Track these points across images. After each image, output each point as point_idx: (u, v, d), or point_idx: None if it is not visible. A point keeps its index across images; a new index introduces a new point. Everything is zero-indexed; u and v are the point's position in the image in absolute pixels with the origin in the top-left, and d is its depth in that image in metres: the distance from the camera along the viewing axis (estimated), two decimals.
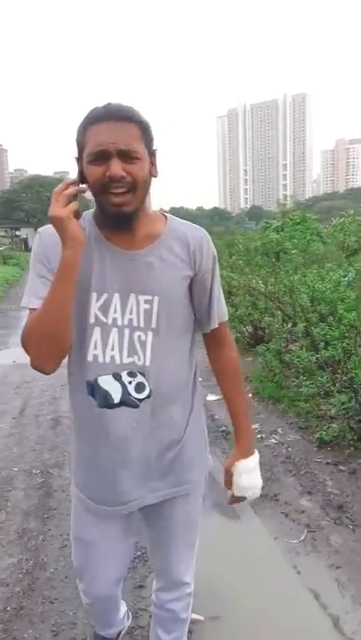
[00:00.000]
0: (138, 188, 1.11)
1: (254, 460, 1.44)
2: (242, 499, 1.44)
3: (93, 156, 1.08)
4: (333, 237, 7.69)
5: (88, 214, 1.22)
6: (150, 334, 1.20)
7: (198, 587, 2.12)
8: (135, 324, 1.19)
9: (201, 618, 1.99)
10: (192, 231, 1.25)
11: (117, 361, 1.19)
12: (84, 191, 1.13)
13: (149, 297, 1.19)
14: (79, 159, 1.14)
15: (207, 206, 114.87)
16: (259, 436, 3.63)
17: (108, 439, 1.22)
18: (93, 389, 1.20)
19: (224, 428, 3.80)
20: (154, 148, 1.16)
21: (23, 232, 57.36)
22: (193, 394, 1.34)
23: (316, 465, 3.16)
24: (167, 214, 1.28)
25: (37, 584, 2.17)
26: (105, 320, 1.18)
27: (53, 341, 1.13)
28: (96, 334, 1.19)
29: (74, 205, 1.10)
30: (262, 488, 2.95)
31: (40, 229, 1.23)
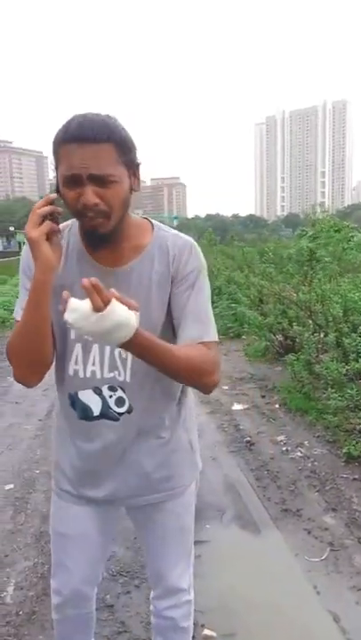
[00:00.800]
0: (113, 213, 1.06)
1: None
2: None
3: (66, 179, 1.03)
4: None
5: (75, 225, 1.17)
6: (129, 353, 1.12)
7: (212, 602, 2.09)
8: None
9: (214, 634, 1.94)
10: (174, 239, 1.18)
11: (98, 376, 1.19)
12: (59, 212, 1.07)
13: None
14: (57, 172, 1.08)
15: (243, 213, 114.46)
16: (284, 449, 3.54)
17: (90, 447, 1.23)
18: (74, 402, 1.22)
19: (248, 438, 3.72)
20: (136, 161, 1.09)
21: (22, 235, 57.89)
22: (180, 405, 1.29)
23: (342, 481, 3.06)
24: (154, 221, 1.22)
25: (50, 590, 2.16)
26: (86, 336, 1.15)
27: (32, 358, 1.12)
28: (77, 349, 1.18)
29: (46, 226, 1.04)
30: (285, 502, 2.89)
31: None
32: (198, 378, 1.13)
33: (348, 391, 3.61)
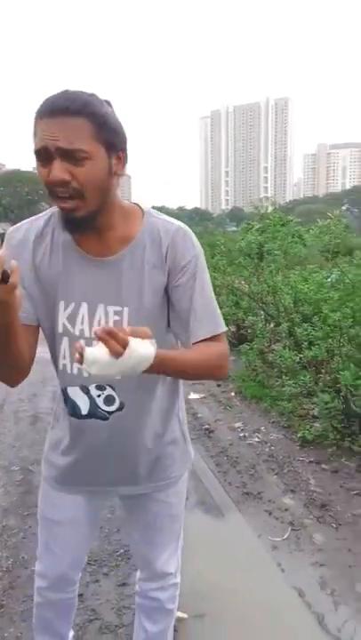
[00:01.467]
0: (87, 193, 0.98)
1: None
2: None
3: (36, 154, 0.97)
4: (319, 239, 7.78)
5: (52, 219, 1.13)
6: None
7: (183, 585, 2.10)
8: None
9: (185, 616, 1.97)
10: (166, 226, 1.12)
11: (85, 373, 1.06)
12: None
13: (119, 308, 1.10)
14: None
15: (189, 206, 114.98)
16: (241, 435, 3.63)
17: (83, 443, 1.21)
18: (66, 398, 1.18)
19: (207, 426, 3.78)
20: (121, 144, 1.03)
21: (1, 227, 56.51)
22: (173, 399, 1.26)
23: (298, 464, 3.18)
24: (145, 208, 1.15)
25: (18, 582, 2.13)
26: (72, 331, 1.11)
27: (5, 367, 1.07)
28: (64, 344, 1.13)
29: None
30: (245, 486, 2.97)
31: (9, 230, 1.15)
32: (212, 373, 1.15)
33: (302, 378, 3.74)
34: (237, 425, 3.81)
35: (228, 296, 5.71)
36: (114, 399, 1.15)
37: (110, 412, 1.15)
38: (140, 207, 1.15)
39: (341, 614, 1.97)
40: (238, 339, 5.58)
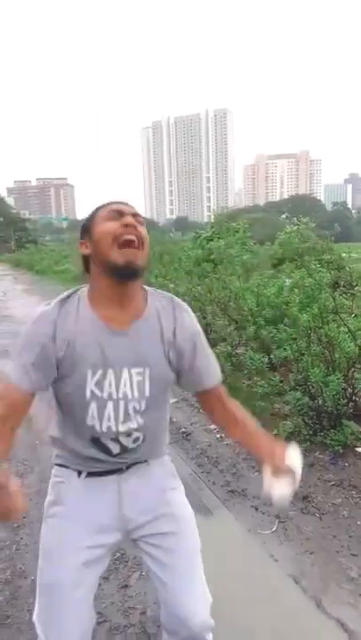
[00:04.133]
0: (145, 244, 1.21)
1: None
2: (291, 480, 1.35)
3: (109, 213, 1.22)
4: (288, 245, 8.11)
5: (81, 293, 1.26)
6: (144, 402, 1.27)
7: None
8: (130, 396, 1.25)
9: None
10: (165, 302, 1.31)
11: (114, 429, 1.26)
12: None
13: (141, 369, 1.25)
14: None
15: None
16: (218, 436, 3.73)
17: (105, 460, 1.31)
18: (96, 443, 1.29)
19: (184, 429, 3.86)
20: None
21: None
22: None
23: None
24: (146, 288, 1.31)
25: (20, 592, 2.11)
26: (100, 394, 1.23)
27: None
28: (92, 408, 1.24)
29: None
30: (229, 484, 3.06)
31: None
32: None
33: (272, 378, 3.89)
34: (213, 427, 3.90)
35: (193, 302, 5.82)
36: (139, 437, 1.31)
37: (138, 446, 1.32)
38: (142, 287, 1.31)
39: (337, 596, 2.09)
40: None
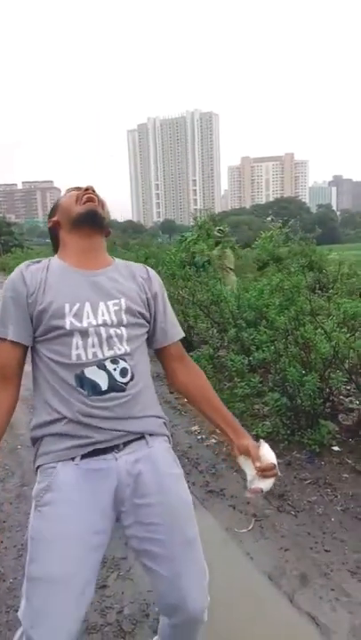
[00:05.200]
0: (103, 206, 1.46)
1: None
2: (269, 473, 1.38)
3: (70, 191, 1.48)
4: (264, 248, 8.19)
5: (50, 260, 1.42)
6: (123, 329, 1.35)
7: None
8: (109, 322, 1.33)
9: None
10: (132, 264, 1.53)
11: (99, 355, 1.30)
12: None
13: (117, 300, 1.37)
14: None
15: (121, 219, 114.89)
16: (199, 437, 3.78)
17: (96, 424, 1.28)
18: (82, 381, 1.28)
19: None
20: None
21: None
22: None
23: None
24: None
25: None
26: (80, 325, 1.30)
27: None
28: (76, 338, 1.29)
29: None
30: (208, 484, 3.10)
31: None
32: None
33: (252, 380, 3.96)
34: (194, 428, 3.95)
35: (174, 306, 5.88)
36: (127, 370, 1.33)
37: (125, 384, 1.32)
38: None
39: (309, 592, 2.14)
40: (186, 346, 5.75)
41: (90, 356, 1.29)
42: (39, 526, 1.26)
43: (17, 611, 1.75)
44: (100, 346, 1.30)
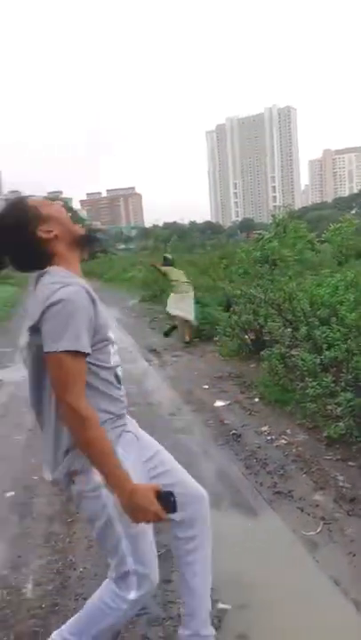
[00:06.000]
0: None
1: None
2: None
3: (43, 199, 1.63)
4: (333, 241, 7.91)
5: (70, 275, 1.48)
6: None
7: (224, 578, 2.23)
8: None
9: (228, 607, 2.08)
10: None
11: (118, 361, 1.59)
12: None
13: None
14: None
15: (200, 220, 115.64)
16: (268, 438, 3.73)
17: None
18: (117, 376, 1.56)
19: (234, 431, 3.90)
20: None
21: None
22: None
23: (326, 462, 3.27)
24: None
25: (69, 582, 2.26)
26: (111, 337, 1.55)
27: None
28: (112, 348, 1.55)
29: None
30: (276, 485, 3.06)
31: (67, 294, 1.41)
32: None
33: (324, 379, 3.84)
34: (264, 429, 3.91)
35: (246, 305, 5.84)
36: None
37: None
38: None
39: None
40: (257, 346, 5.69)
41: (117, 361, 1.56)
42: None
43: (85, 599, 1.91)
44: (115, 354, 1.56)
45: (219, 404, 4.58)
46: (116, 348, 1.57)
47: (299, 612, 2.03)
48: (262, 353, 4.96)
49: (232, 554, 2.44)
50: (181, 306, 7.31)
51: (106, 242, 58.76)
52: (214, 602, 2.08)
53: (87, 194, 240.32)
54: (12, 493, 3.13)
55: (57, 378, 1.37)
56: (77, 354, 1.35)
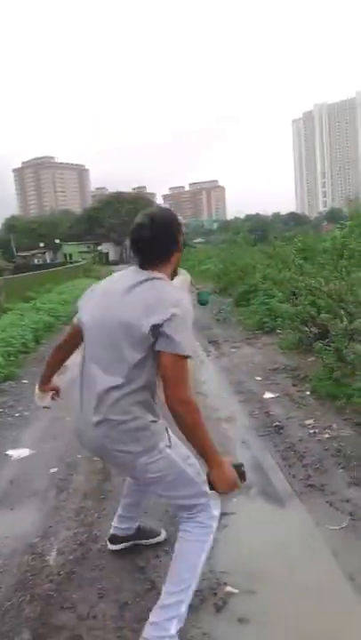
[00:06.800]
0: None
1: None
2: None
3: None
4: None
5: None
6: None
7: (236, 564, 2.26)
8: None
9: (236, 591, 2.10)
10: None
11: None
12: None
13: None
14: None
15: (284, 212, 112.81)
16: (312, 432, 3.65)
17: None
18: None
19: (278, 423, 3.85)
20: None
21: (104, 247, 60.01)
22: None
23: None
24: None
25: (90, 554, 2.40)
26: None
27: None
28: None
29: None
30: (309, 478, 3.00)
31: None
32: None
33: None
34: (308, 422, 3.83)
35: (307, 296, 5.67)
36: None
37: None
38: None
39: None
40: (318, 339, 5.52)
41: None
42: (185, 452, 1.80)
43: (101, 570, 2.22)
44: None
45: (268, 395, 4.53)
46: None
47: (305, 603, 2.01)
48: (314, 345, 4.82)
49: (249, 541, 2.46)
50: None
51: (185, 235, 59.46)
52: (222, 585, 2.14)
53: (170, 188, 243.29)
54: (56, 469, 3.34)
55: (177, 376, 1.61)
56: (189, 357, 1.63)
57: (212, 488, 1.68)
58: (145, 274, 1.73)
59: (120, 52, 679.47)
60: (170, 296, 1.66)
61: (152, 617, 1.76)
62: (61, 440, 3.80)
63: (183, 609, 1.74)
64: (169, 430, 1.77)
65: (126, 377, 1.66)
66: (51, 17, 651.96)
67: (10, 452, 3.71)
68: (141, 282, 1.70)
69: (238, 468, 1.70)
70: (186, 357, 1.62)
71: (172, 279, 1.82)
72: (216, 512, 1.83)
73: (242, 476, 1.71)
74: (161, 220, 1.77)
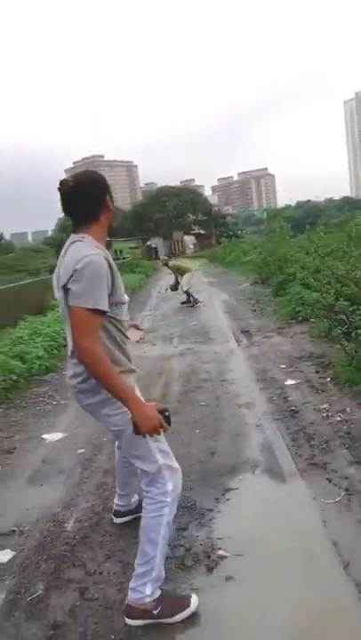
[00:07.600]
0: None
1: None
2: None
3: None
4: None
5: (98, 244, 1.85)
6: None
7: (230, 530, 2.48)
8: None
9: (227, 554, 2.32)
10: None
11: (127, 318, 2.09)
12: None
13: None
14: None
15: (337, 197, 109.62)
16: (325, 415, 3.78)
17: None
18: (124, 334, 2.04)
19: (293, 407, 4.00)
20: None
21: (153, 241, 60.70)
22: None
23: None
24: None
25: (103, 522, 2.69)
26: (126, 299, 2.03)
27: None
28: (125, 307, 2.02)
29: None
30: (314, 457, 3.16)
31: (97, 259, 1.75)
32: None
33: None
34: (324, 406, 3.95)
35: (332, 284, 5.71)
36: None
37: None
38: None
39: None
40: (348, 327, 5.56)
41: (126, 318, 2.00)
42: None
43: (111, 536, 2.53)
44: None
45: (289, 382, 4.67)
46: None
47: (289, 566, 2.20)
48: (333, 332, 4.90)
49: (247, 513, 2.67)
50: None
51: (234, 226, 58.91)
52: (217, 549, 2.37)
53: (218, 179, 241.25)
54: (83, 450, 3.66)
55: (79, 327, 1.73)
56: (96, 311, 1.71)
57: (137, 432, 1.76)
58: (73, 237, 1.84)
59: (166, 49, 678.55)
60: (79, 254, 1.73)
61: (130, 583, 1.98)
62: (90, 424, 4.12)
63: (154, 574, 1.92)
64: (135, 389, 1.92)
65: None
66: (98, 14, 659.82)
67: (45, 436, 4.08)
68: (68, 246, 1.83)
69: (163, 412, 1.81)
70: (88, 310, 1.70)
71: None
72: (170, 486, 1.90)
73: (167, 419, 1.81)
74: (84, 179, 1.85)
